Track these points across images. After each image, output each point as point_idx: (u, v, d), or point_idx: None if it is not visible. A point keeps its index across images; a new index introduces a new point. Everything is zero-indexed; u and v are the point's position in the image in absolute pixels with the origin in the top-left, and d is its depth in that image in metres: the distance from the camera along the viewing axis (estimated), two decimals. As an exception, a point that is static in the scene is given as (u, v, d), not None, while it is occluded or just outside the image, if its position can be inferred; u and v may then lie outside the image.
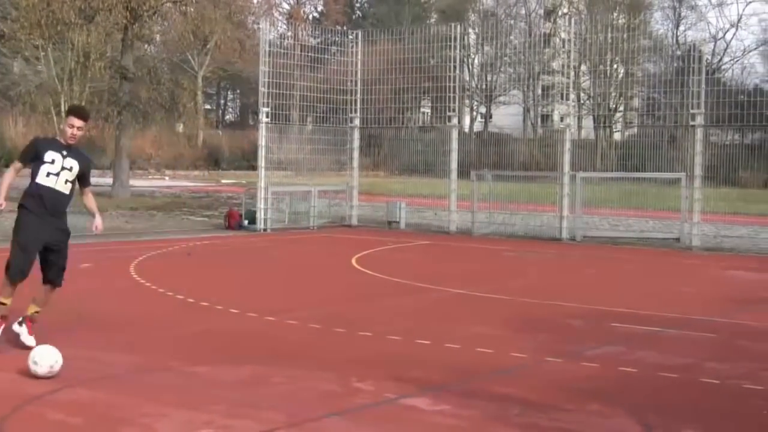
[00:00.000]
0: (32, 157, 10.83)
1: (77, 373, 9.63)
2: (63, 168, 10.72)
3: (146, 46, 49.60)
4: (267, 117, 27.72)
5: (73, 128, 10.80)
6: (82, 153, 11.11)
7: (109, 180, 40.46)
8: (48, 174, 10.66)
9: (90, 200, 11.05)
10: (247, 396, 8.75)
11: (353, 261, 20.15)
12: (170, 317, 13.18)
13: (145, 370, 9.81)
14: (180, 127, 65.88)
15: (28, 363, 9.18)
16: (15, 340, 10.86)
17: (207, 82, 75.33)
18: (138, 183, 44.95)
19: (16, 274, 10.53)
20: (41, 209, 10.60)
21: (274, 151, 28.42)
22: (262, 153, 27.72)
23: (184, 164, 63.22)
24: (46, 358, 9.26)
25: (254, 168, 29.42)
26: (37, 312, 10.83)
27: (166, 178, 57.12)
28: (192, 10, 41.06)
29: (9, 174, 10.85)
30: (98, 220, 11.01)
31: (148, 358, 10.33)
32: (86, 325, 12.02)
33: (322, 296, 15.58)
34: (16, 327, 10.82)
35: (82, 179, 10.96)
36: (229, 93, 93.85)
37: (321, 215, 29.16)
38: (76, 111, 11.35)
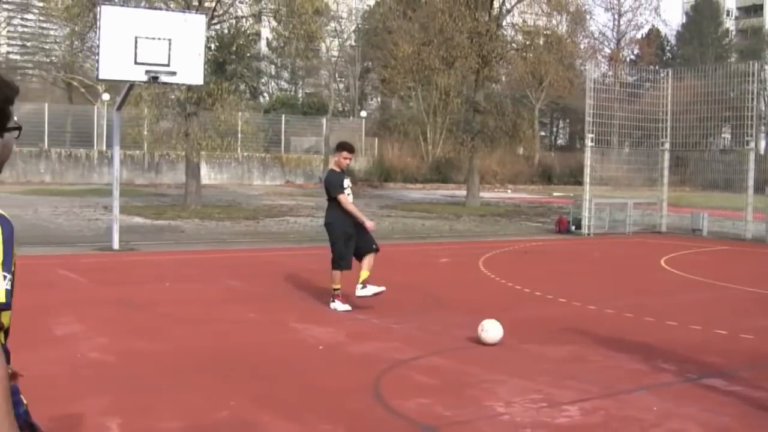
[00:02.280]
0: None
1: (434, 344, 9.86)
2: (350, 186, 12.35)
3: (494, 84, 50.08)
4: (591, 142, 27.50)
5: (348, 159, 12.26)
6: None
7: (464, 192, 41.19)
8: (348, 195, 12.17)
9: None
10: (569, 370, 8.71)
11: (662, 262, 19.65)
12: (509, 303, 13.26)
13: (484, 344, 9.90)
14: (520, 150, 66.05)
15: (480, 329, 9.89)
16: (385, 316, 11.22)
17: (542, 113, 75.36)
18: (486, 195, 45.41)
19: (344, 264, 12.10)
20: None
21: (597, 169, 28.14)
22: (587, 171, 27.51)
23: (523, 180, 63.38)
24: (493, 331, 9.85)
25: (580, 183, 29.18)
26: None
27: (509, 191, 57.39)
28: (531, 55, 41.12)
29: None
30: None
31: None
32: (442, 307, 12.28)
33: (636, 290, 15.28)
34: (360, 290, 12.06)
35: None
36: (560, 122, 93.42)
37: (635, 223, 28.60)
38: (349, 147, 12.49)
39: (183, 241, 21.65)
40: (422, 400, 7.51)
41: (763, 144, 72.54)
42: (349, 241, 12.11)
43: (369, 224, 12.18)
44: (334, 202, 12.23)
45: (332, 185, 12.16)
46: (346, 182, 12.24)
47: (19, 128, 2.86)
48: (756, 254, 23.13)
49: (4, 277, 2.63)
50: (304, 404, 7.35)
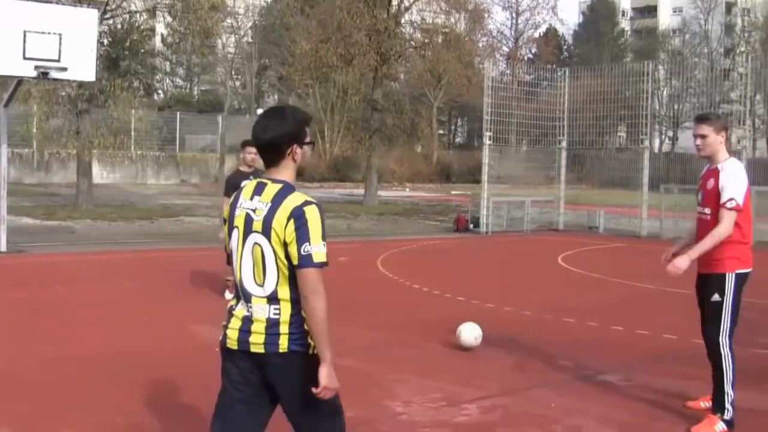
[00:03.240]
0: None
1: (338, 344, 9.85)
2: None
3: (392, 83, 50.30)
4: (489, 140, 27.78)
5: (251, 155, 11.98)
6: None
7: (362, 191, 41.21)
8: None
9: None
10: (469, 368, 8.80)
11: (559, 259, 19.97)
12: (409, 302, 13.34)
13: (389, 343, 9.96)
14: (418, 148, 66.50)
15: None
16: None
17: (440, 111, 75.76)
18: (384, 193, 45.54)
19: None
20: None
21: (495, 167, 28.42)
22: (485, 169, 27.76)
23: (421, 178, 63.72)
24: (470, 332, 9.78)
25: (479, 181, 29.42)
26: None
27: (407, 189, 57.65)
28: (429, 53, 41.40)
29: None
30: None
31: (392, 334, 10.49)
32: (346, 308, 12.29)
33: (534, 288, 15.50)
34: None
35: None
36: (458, 120, 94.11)
37: (533, 221, 28.97)
38: (249, 142, 12.02)
39: (75, 242, 21.24)
40: (322, 401, 7.48)
41: (657, 142, 74.30)
42: None
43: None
44: None
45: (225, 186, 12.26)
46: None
47: (312, 143, 4.52)
48: (651, 251, 23.60)
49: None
50: (203, 408, 7.27)
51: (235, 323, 4.38)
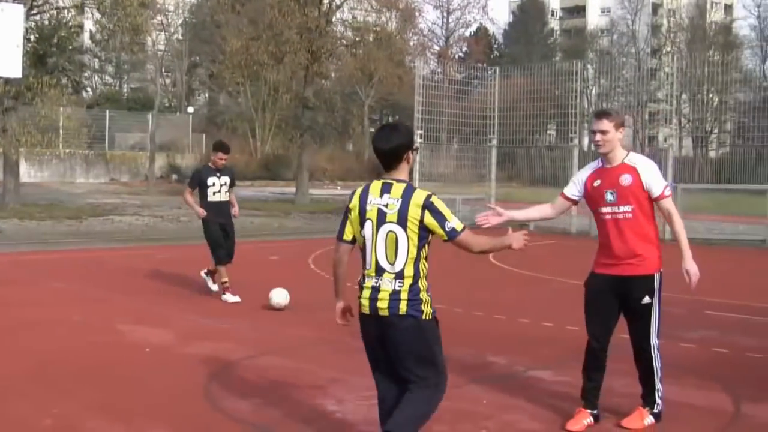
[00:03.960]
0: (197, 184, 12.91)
1: (266, 344, 9.83)
2: (221, 185, 12.84)
3: (323, 81, 50.19)
4: (421, 138, 27.87)
5: (222, 160, 12.83)
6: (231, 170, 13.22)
7: (293, 189, 41.07)
8: (214, 192, 12.80)
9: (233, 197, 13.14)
10: (403, 366, 8.80)
11: (491, 257, 20.07)
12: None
13: (321, 342, 9.95)
14: (350, 146, 66.50)
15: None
16: (215, 316, 11.12)
17: (372, 109, 75.80)
18: (316, 192, 45.47)
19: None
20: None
21: (426, 165, 28.53)
22: (416, 167, 27.84)
23: (353, 176, 63.65)
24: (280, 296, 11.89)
25: (410, 179, 29.56)
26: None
27: (338, 187, 57.62)
28: (360, 52, 41.40)
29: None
30: (236, 209, 13.13)
31: (324, 333, 10.46)
32: (274, 307, 12.23)
33: (465, 285, 15.55)
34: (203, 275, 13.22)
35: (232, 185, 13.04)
36: (389, 118, 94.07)
37: (464, 219, 28.76)
38: (221, 148, 13.14)
39: (2, 242, 20.90)
40: (255, 401, 7.47)
41: (586, 141, 75.09)
42: (218, 247, 12.83)
43: (200, 211, 12.88)
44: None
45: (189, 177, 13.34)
46: (212, 180, 12.81)
47: (417, 149, 5.92)
48: (581, 248, 23.87)
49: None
50: (133, 408, 7.20)
51: (366, 293, 5.66)
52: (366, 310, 5.67)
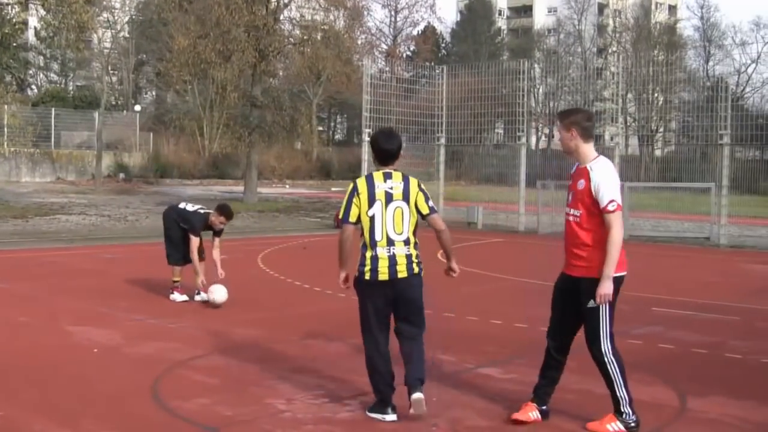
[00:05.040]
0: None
1: (214, 343, 9.77)
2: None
3: (271, 79, 49.98)
4: (369, 136, 27.88)
5: (223, 224, 12.67)
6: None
7: (241, 188, 40.93)
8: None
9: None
10: (350, 364, 8.79)
11: (439, 255, 20.12)
12: (289, 299, 13.31)
13: (270, 341, 9.92)
14: (298, 145, 66.20)
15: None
16: (163, 315, 11.04)
17: (320, 108, 75.70)
18: (264, 190, 45.32)
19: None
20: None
21: (374, 164, 28.52)
22: (364, 166, 27.88)
23: (301, 175, 63.61)
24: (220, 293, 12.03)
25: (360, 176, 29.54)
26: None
27: (287, 186, 57.48)
28: (308, 50, 41.24)
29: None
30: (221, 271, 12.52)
31: (272, 332, 10.44)
32: (226, 305, 12.17)
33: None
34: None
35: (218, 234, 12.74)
36: (338, 117, 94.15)
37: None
38: (228, 215, 12.71)
39: (-55, 241, 20.61)
40: (203, 401, 7.42)
41: (533, 139, 75.61)
42: (178, 239, 12.73)
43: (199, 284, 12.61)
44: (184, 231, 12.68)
45: (190, 222, 12.60)
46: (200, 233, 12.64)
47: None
48: (528, 245, 24.05)
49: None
50: (80, 410, 7.13)
51: (384, 263, 6.98)
52: (385, 276, 6.97)
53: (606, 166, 6.77)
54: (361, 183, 7.16)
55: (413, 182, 7.16)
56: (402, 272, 6.99)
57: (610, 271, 6.61)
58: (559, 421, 7.06)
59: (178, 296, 12.56)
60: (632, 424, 6.75)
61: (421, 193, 7.12)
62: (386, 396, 7.09)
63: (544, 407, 7.05)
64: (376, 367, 7.16)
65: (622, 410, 6.77)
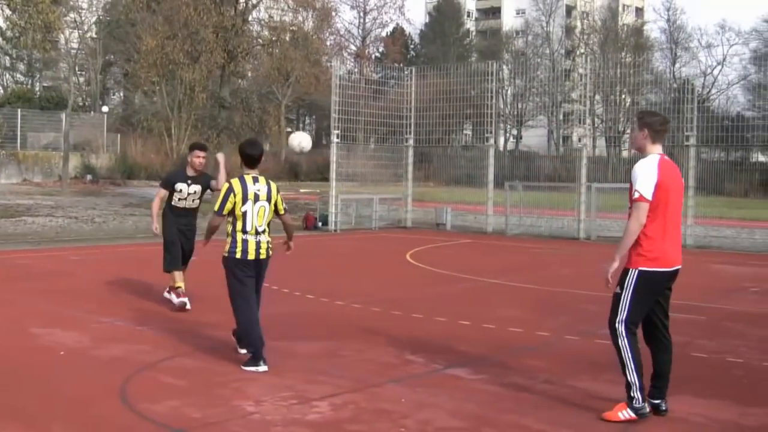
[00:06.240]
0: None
1: (182, 345, 9.73)
2: (189, 193, 12.54)
3: (240, 80, 49.92)
4: (337, 138, 27.86)
5: (199, 158, 12.65)
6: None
7: (210, 189, 40.70)
8: (179, 199, 12.43)
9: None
10: (319, 366, 8.79)
11: (407, 256, 20.16)
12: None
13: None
14: (267, 146, 66.05)
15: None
16: (131, 318, 10.98)
17: (288, 109, 75.58)
18: (233, 191, 45.11)
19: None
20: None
21: (343, 165, 28.52)
22: (333, 167, 27.84)
23: (270, 175, 62.51)
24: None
25: (327, 179, 29.47)
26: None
27: (256, 187, 57.28)
28: (277, 51, 41.24)
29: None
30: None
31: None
32: (195, 308, 12.12)
33: (382, 285, 15.61)
34: (166, 295, 12.37)
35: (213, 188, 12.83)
36: (306, 118, 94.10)
37: (381, 218, 29.21)
38: (199, 146, 12.97)
39: None
40: (171, 403, 7.39)
41: (502, 140, 75.87)
42: (172, 246, 12.33)
43: (154, 228, 12.59)
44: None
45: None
46: (180, 186, 12.50)
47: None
48: (497, 246, 24.12)
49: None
50: (47, 413, 7.08)
51: (253, 246, 8.85)
52: (252, 256, 8.85)
53: (646, 161, 7.21)
54: (236, 184, 8.91)
55: (274, 186, 9.10)
56: (263, 254, 8.92)
57: (618, 254, 7.16)
58: (577, 413, 7.08)
59: (176, 299, 12.18)
60: (642, 411, 7.07)
61: (279, 196, 9.18)
62: (259, 351, 8.64)
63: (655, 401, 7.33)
64: (253, 327, 8.83)
65: (633, 395, 7.06)
